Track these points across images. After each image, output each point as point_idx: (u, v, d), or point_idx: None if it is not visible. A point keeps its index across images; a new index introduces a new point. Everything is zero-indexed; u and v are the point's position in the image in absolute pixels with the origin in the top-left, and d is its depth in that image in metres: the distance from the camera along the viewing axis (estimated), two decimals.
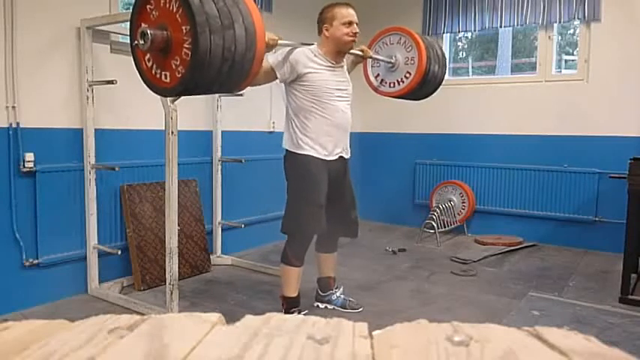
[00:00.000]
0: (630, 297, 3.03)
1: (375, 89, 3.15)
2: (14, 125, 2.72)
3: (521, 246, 4.43)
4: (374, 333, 0.43)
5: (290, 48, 2.50)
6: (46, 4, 2.84)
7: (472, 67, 5.89)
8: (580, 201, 4.43)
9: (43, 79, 2.86)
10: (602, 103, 4.29)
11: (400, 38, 3.03)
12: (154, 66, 1.92)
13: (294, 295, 2.68)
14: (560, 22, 4.42)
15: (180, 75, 1.82)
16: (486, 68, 5.99)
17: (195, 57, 1.74)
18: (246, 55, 1.84)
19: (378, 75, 3.13)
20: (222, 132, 3.86)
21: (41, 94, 2.85)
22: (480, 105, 4.89)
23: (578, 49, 4.53)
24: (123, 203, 3.23)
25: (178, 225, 2.83)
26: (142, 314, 0.47)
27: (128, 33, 1.99)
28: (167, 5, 1.82)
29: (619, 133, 4.21)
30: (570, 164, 4.45)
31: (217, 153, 3.85)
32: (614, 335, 2.57)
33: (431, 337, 0.42)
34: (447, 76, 5.16)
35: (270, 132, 4.39)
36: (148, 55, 1.92)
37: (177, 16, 1.78)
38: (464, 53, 6.13)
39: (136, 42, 1.86)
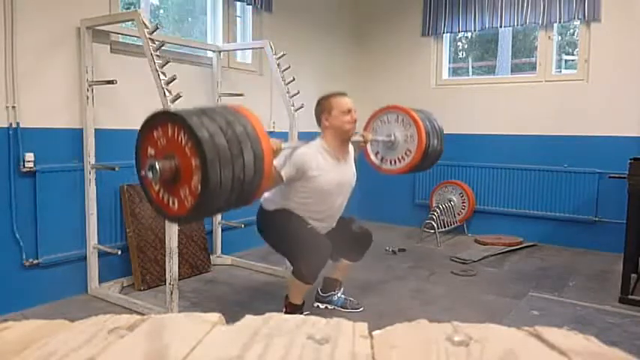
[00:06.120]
0: (630, 297, 3.03)
1: (379, 168, 3.18)
2: (14, 125, 2.72)
3: (521, 246, 4.43)
4: (374, 333, 0.43)
5: (293, 148, 2.49)
6: (46, 4, 2.84)
7: (472, 67, 5.89)
8: (580, 201, 4.43)
9: (43, 79, 2.85)
10: (602, 103, 4.29)
11: (398, 116, 3.08)
12: (162, 190, 1.88)
13: (300, 302, 2.64)
14: (560, 22, 4.42)
15: (189, 205, 1.79)
16: (486, 68, 5.99)
17: (204, 192, 1.71)
18: (255, 179, 1.84)
19: (378, 153, 3.18)
20: None
21: (41, 94, 2.84)
22: (480, 105, 4.88)
23: (578, 49, 4.53)
24: (123, 203, 3.23)
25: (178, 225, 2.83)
26: (142, 314, 0.47)
27: (137, 155, 1.92)
28: (175, 136, 1.77)
29: (619, 133, 4.21)
30: (570, 164, 4.45)
31: None
32: (614, 335, 2.57)
33: (431, 337, 0.42)
34: (447, 76, 5.23)
35: (270, 132, 4.38)
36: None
37: (187, 148, 1.73)
38: (464, 53, 6.13)
39: (144, 173, 1.83)
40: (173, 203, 1.85)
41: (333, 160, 2.59)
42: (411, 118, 3.00)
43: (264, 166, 1.85)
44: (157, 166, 1.76)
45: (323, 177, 2.52)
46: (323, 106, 2.63)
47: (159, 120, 1.85)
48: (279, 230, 2.60)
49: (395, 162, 3.10)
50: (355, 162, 2.81)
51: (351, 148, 2.77)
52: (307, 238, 2.51)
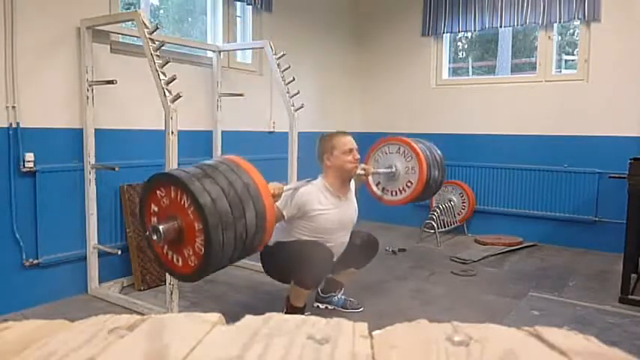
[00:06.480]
0: (630, 297, 3.03)
1: (380, 198, 3.21)
2: (14, 125, 2.72)
3: (521, 246, 4.43)
4: (374, 333, 0.43)
5: (294, 189, 2.49)
6: (46, 4, 2.84)
7: (472, 67, 5.89)
8: (580, 201, 4.42)
9: (43, 79, 2.85)
10: (602, 103, 4.29)
11: (399, 148, 3.09)
12: (166, 247, 1.91)
13: (301, 305, 2.62)
14: (560, 22, 4.42)
15: (193, 265, 1.83)
16: (486, 68, 5.99)
17: (208, 253, 1.75)
18: (256, 236, 1.88)
19: (379, 183, 3.20)
20: (222, 132, 3.86)
21: (41, 94, 2.84)
22: (480, 105, 4.88)
23: (578, 49, 4.53)
24: (123, 203, 3.23)
25: None
26: (142, 314, 0.47)
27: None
28: (178, 199, 1.78)
29: (619, 133, 4.21)
30: (570, 164, 4.45)
31: (217, 153, 3.84)
32: (614, 335, 2.57)
33: (431, 337, 0.42)
34: (447, 76, 5.23)
35: (270, 132, 4.39)
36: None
37: (190, 212, 1.75)
38: (464, 53, 6.13)
39: (147, 233, 1.87)
40: (177, 261, 1.89)
41: (334, 199, 2.58)
42: (411, 150, 3.01)
43: (266, 223, 1.89)
44: (161, 230, 1.79)
45: (324, 216, 2.53)
46: (325, 146, 2.61)
47: (161, 181, 1.86)
48: (281, 254, 2.55)
49: (396, 193, 3.13)
50: (356, 194, 2.80)
51: (352, 183, 2.75)
52: (308, 248, 2.49)
